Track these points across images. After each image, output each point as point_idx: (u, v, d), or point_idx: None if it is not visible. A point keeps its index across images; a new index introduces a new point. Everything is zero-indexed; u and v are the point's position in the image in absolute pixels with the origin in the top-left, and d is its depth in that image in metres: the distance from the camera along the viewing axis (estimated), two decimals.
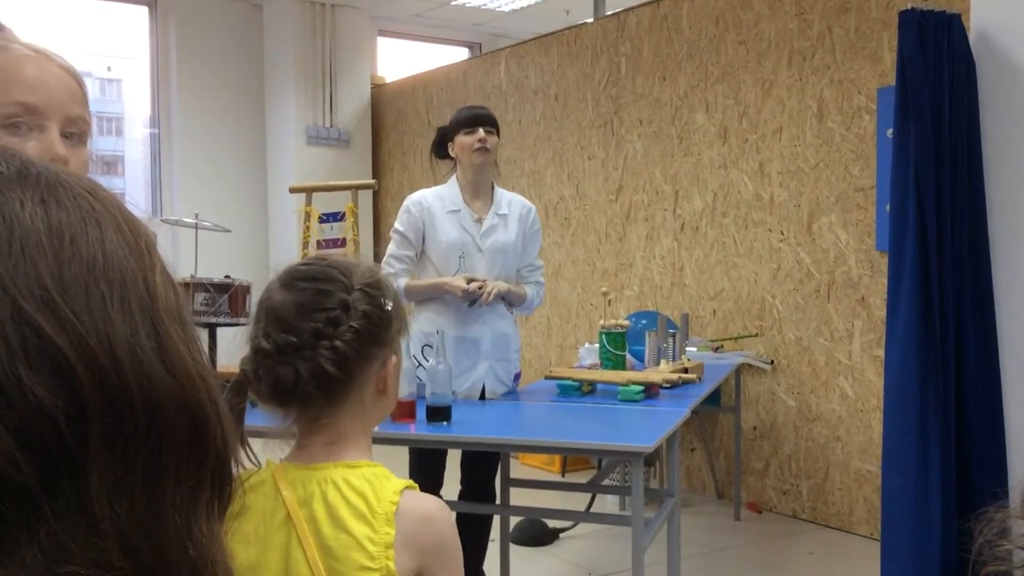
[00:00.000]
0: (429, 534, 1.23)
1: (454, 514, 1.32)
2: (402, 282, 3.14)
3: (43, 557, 0.38)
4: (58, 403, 0.38)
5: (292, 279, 1.23)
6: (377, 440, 2.20)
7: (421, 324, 3.19)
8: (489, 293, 3.08)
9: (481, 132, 3.15)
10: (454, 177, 3.25)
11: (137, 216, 0.46)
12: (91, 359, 0.40)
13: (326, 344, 1.19)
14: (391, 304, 1.26)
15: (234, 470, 0.47)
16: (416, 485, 1.26)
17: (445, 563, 1.24)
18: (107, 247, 0.43)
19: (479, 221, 3.20)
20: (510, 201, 3.29)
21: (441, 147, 3.28)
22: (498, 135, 3.24)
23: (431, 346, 3.08)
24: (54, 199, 0.42)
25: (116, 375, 0.40)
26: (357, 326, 1.21)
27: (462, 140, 3.17)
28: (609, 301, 3.70)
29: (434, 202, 3.20)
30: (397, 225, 3.22)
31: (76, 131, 1.14)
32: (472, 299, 3.09)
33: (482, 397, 3.21)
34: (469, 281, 3.09)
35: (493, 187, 3.28)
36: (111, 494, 0.40)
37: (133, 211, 0.46)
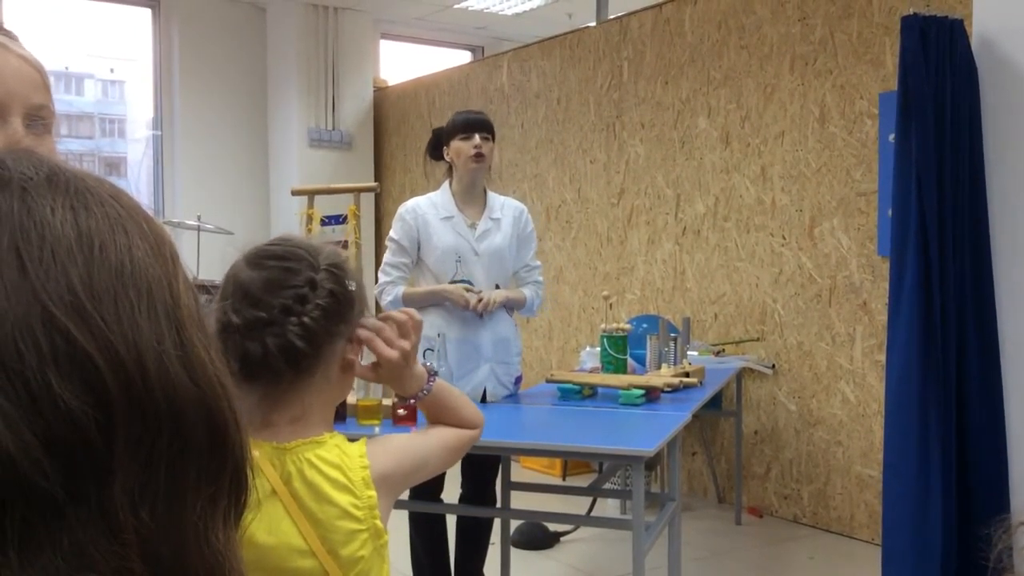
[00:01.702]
0: (398, 477, 1.35)
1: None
2: (400, 290, 3.16)
3: (66, 564, 0.38)
4: (87, 410, 0.38)
5: (260, 258, 1.26)
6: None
7: (423, 328, 3.19)
8: (488, 303, 3.09)
9: (477, 139, 3.15)
10: (447, 184, 3.27)
11: (159, 223, 0.47)
12: (119, 366, 0.40)
13: (294, 320, 1.23)
14: (354, 284, 1.30)
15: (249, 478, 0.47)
16: (364, 438, 1.35)
17: (423, 466, 1.39)
18: (135, 254, 0.43)
19: (473, 226, 3.21)
20: (503, 205, 3.31)
21: (436, 149, 3.28)
22: (494, 140, 3.24)
23: (433, 350, 3.08)
24: (83, 205, 0.43)
25: (143, 382, 0.40)
26: (323, 303, 1.24)
27: (458, 145, 3.17)
28: (610, 305, 3.69)
29: (428, 209, 3.22)
30: (392, 233, 3.23)
31: (40, 120, 1.13)
32: (472, 309, 3.11)
33: (483, 400, 3.21)
34: (467, 291, 3.10)
35: (486, 192, 3.30)
36: (134, 501, 0.40)
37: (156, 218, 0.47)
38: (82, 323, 0.39)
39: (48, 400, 0.38)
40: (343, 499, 1.26)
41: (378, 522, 1.28)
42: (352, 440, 1.34)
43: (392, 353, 1.33)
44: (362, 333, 1.31)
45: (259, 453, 1.26)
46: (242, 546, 1.25)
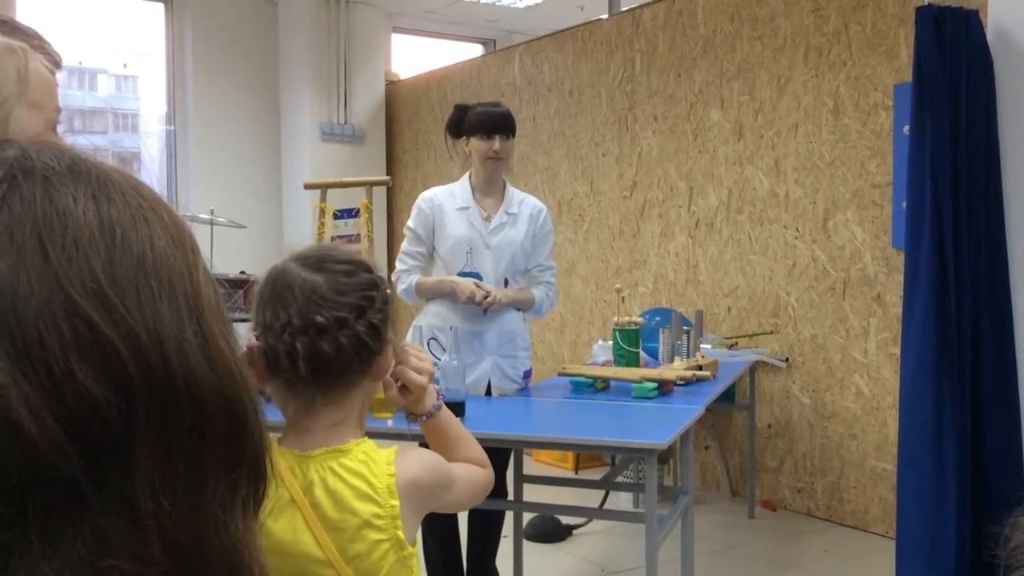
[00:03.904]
0: (425, 490, 1.34)
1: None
2: (413, 279, 3.20)
3: (87, 550, 0.38)
4: (109, 396, 0.39)
5: (319, 262, 1.29)
6: (389, 436, 2.21)
7: (428, 318, 3.21)
8: (495, 302, 3.10)
9: (497, 143, 3.15)
10: (467, 175, 3.27)
11: (179, 214, 0.47)
12: (141, 353, 0.40)
13: (364, 321, 1.27)
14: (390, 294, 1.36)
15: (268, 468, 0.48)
16: (397, 445, 1.36)
17: (448, 488, 1.38)
18: (156, 244, 0.43)
19: (488, 219, 3.22)
20: (522, 201, 3.30)
21: (457, 127, 3.26)
22: (514, 135, 3.23)
23: (436, 339, 3.10)
24: (105, 195, 0.43)
25: (164, 370, 0.41)
26: (383, 308, 1.30)
27: (476, 144, 3.18)
28: (623, 298, 3.69)
29: (445, 199, 3.22)
30: (409, 222, 3.25)
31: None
32: (477, 304, 3.11)
33: (488, 393, 3.21)
34: (477, 287, 3.11)
35: (505, 185, 3.30)
36: (154, 488, 0.40)
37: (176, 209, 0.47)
38: (104, 311, 0.40)
39: (70, 386, 0.38)
40: (365, 509, 1.26)
41: (400, 533, 1.27)
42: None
43: (423, 380, 1.39)
44: (415, 363, 1.38)
45: (282, 462, 1.27)
46: (269, 554, 1.27)
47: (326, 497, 1.26)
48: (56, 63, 1.56)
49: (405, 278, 3.20)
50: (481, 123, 3.17)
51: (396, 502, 1.27)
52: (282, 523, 1.25)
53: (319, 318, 1.24)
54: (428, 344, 3.14)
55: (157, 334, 0.41)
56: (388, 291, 1.32)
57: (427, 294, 3.24)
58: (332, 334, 1.24)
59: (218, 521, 0.43)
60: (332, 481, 1.26)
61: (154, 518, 0.40)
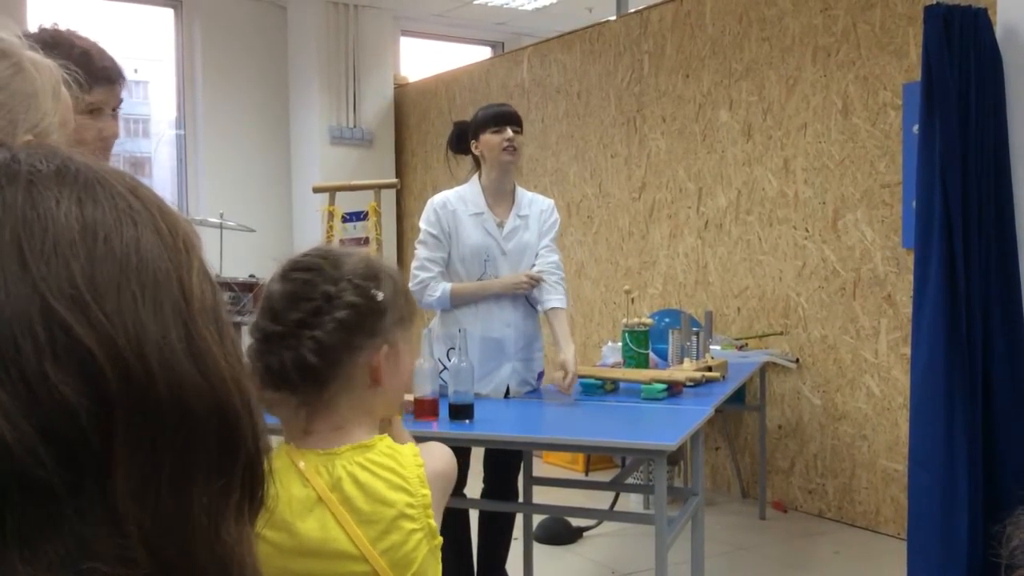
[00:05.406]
0: (448, 481, 1.36)
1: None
2: (446, 287, 3.11)
3: (67, 553, 0.38)
4: (83, 402, 0.38)
5: (289, 270, 1.27)
6: None
7: (446, 326, 3.18)
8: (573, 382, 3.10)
9: (509, 131, 3.12)
10: (475, 178, 3.23)
11: (178, 215, 0.46)
12: (119, 359, 0.40)
13: (307, 334, 1.22)
14: (383, 295, 1.27)
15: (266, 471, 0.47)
16: (412, 440, 1.38)
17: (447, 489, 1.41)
18: (142, 246, 0.42)
19: (501, 225, 3.19)
20: (531, 201, 3.27)
21: (460, 142, 3.24)
22: (522, 132, 3.21)
23: (455, 348, 3.08)
24: (91, 197, 0.42)
25: (144, 376, 0.40)
26: (341, 316, 1.23)
27: (489, 139, 3.13)
28: (632, 299, 3.69)
29: (458, 204, 3.17)
30: (427, 228, 3.16)
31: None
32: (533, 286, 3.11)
33: (506, 395, 3.21)
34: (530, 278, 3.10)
35: (515, 187, 3.27)
36: (136, 493, 0.40)
37: (175, 210, 0.46)
38: (82, 316, 0.39)
39: (45, 392, 0.38)
40: (399, 499, 1.25)
41: (432, 522, 1.27)
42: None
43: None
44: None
45: (304, 463, 1.26)
46: (298, 555, 1.26)
47: (357, 491, 1.25)
48: (116, 74, 1.57)
49: (435, 286, 3.10)
50: (492, 117, 3.15)
51: (427, 491, 1.27)
52: (310, 523, 1.23)
53: (255, 332, 1.24)
54: (447, 353, 3.11)
55: (137, 340, 0.40)
56: (359, 299, 1.24)
57: (466, 300, 3.14)
58: (274, 348, 1.22)
59: (207, 526, 0.42)
60: (362, 475, 1.25)
61: (136, 522, 0.39)
